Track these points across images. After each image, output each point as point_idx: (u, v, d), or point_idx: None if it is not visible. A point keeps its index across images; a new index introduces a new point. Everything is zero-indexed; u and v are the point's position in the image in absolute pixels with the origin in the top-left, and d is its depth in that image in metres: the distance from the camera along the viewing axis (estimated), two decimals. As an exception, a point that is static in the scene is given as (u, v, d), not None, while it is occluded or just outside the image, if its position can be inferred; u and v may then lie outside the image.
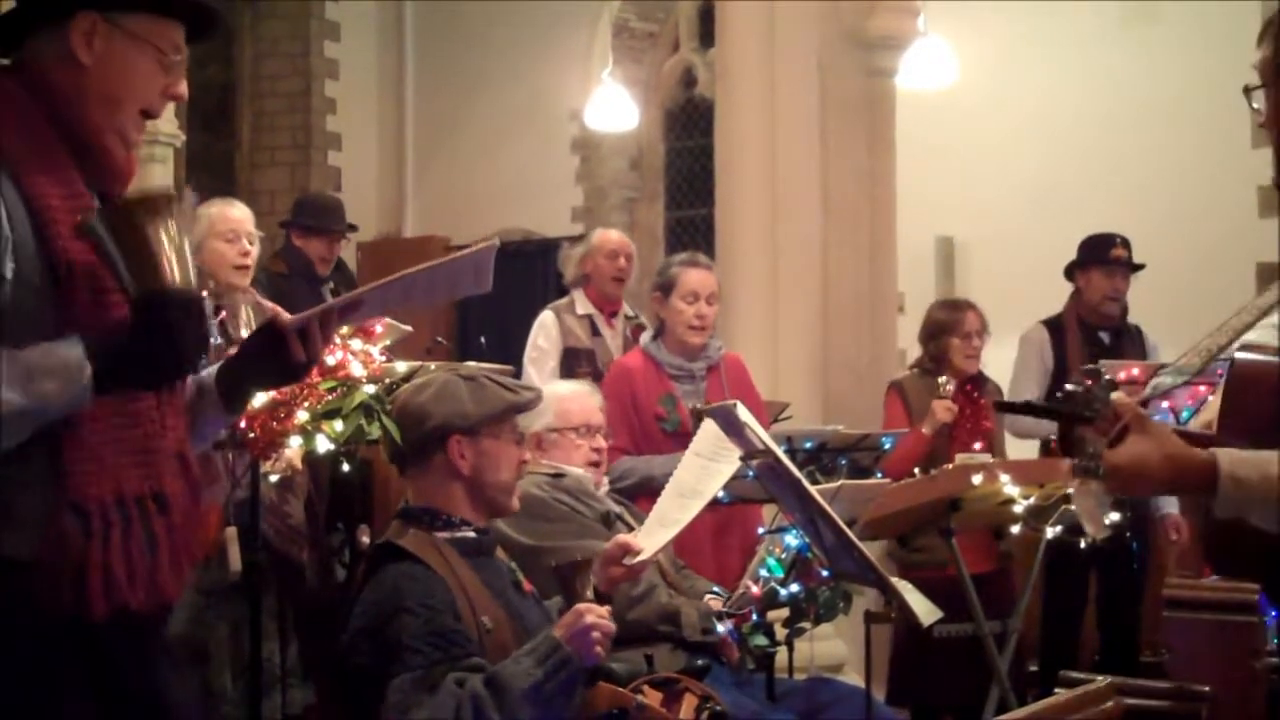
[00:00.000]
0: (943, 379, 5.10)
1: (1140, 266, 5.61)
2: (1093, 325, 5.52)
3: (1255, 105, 2.17)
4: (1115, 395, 2.00)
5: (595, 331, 5.58)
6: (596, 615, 2.61)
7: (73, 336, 1.88)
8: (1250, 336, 2.12)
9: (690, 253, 4.79)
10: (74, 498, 1.90)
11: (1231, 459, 1.94)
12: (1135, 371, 4.50)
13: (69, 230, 1.92)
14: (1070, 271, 5.63)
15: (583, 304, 5.64)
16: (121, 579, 1.93)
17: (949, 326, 5.25)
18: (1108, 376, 2.02)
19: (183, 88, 2.14)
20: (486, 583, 2.79)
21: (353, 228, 6.13)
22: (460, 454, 2.84)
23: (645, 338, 4.63)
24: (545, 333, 5.57)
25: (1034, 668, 5.48)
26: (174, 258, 1.89)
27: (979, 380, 5.33)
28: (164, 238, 1.89)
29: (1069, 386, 2.03)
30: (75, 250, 1.93)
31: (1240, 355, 2.05)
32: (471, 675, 2.57)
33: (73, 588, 1.89)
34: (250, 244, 4.56)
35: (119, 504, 1.94)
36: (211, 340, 1.99)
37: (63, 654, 1.91)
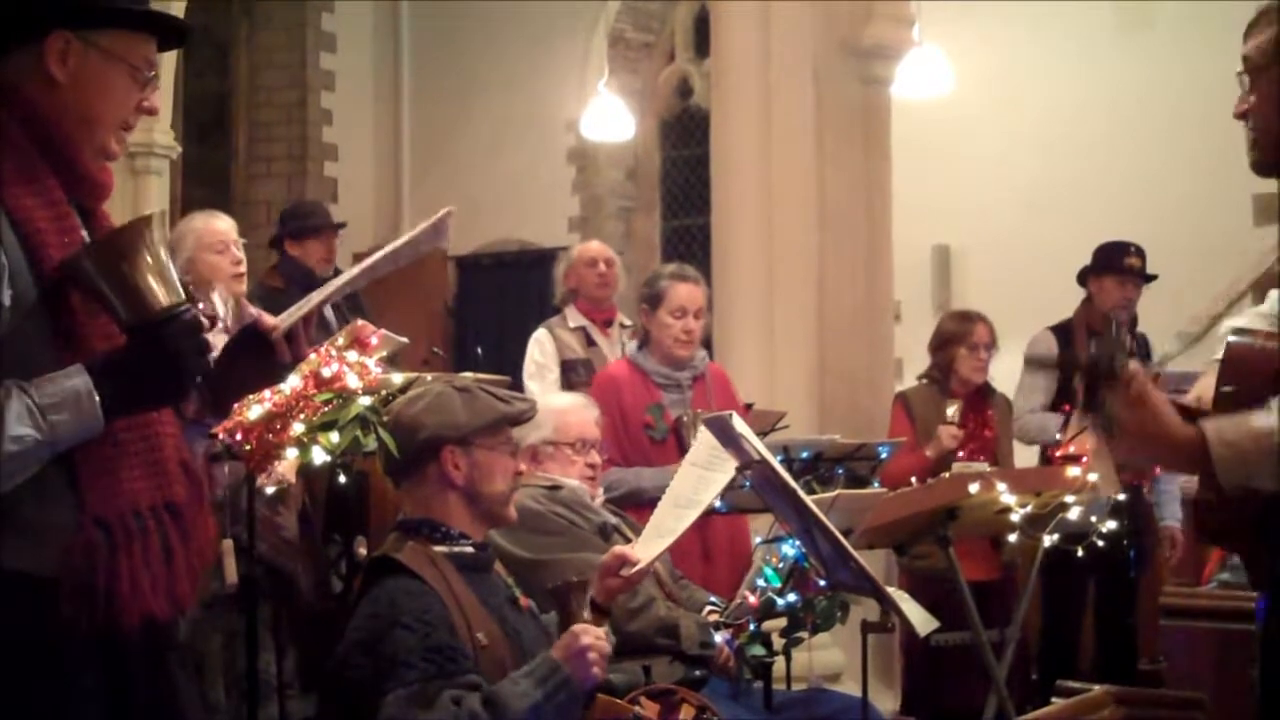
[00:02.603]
0: (950, 410, 5.08)
1: (1153, 277, 5.59)
2: (1101, 333, 5.49)
3: (1249, 94, 2.19)
4: (1130, 363, 2.04)
5: (590, 342, 5.58)
6: (593, 636, 2.60)
7: (76, 366, 1.89)
8: (1240, 322, 2.16)
9: (679, 265, 4.76)
10: (96, 512, 1.92)
11: (1215, 426, 1.99)
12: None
13: (59, 252, 1.93)
14: (1083, 277, 5.62)
15: (574, 317, 5.64)
16: (146, 590, 1.95)
17: (958, 337, 5.26)
18: (1122, 330, 2.06)
19: (156, 100, 2.15)
20: (482, 599, 2.78)
21: (341, 225, 6.18)
22: (454, 464, 2.83)
23: (631, 348, 4.63)
24: (540, 347, 5.57)
25: (1035, 676, 5.48)
26: (157, 281, 1.91)
27: (985, 392, 5.33)
28: (144, 266, 1.90)
29: (1094, 345, 2.07)
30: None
31: (1233, 339, 2.08)
32: (469, 694, 2.56)
33: (103, 601, 1.91)
34: (238, 251, 4.59)
35: (136, 515, 1.96)
36: (210, 351, 2.01)
37: (83, 667, 1.92)
